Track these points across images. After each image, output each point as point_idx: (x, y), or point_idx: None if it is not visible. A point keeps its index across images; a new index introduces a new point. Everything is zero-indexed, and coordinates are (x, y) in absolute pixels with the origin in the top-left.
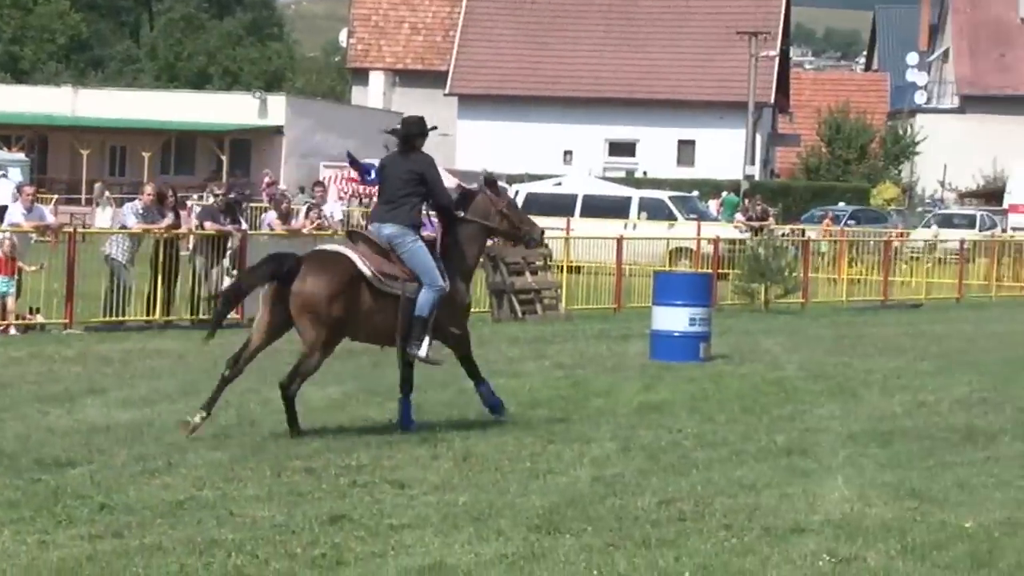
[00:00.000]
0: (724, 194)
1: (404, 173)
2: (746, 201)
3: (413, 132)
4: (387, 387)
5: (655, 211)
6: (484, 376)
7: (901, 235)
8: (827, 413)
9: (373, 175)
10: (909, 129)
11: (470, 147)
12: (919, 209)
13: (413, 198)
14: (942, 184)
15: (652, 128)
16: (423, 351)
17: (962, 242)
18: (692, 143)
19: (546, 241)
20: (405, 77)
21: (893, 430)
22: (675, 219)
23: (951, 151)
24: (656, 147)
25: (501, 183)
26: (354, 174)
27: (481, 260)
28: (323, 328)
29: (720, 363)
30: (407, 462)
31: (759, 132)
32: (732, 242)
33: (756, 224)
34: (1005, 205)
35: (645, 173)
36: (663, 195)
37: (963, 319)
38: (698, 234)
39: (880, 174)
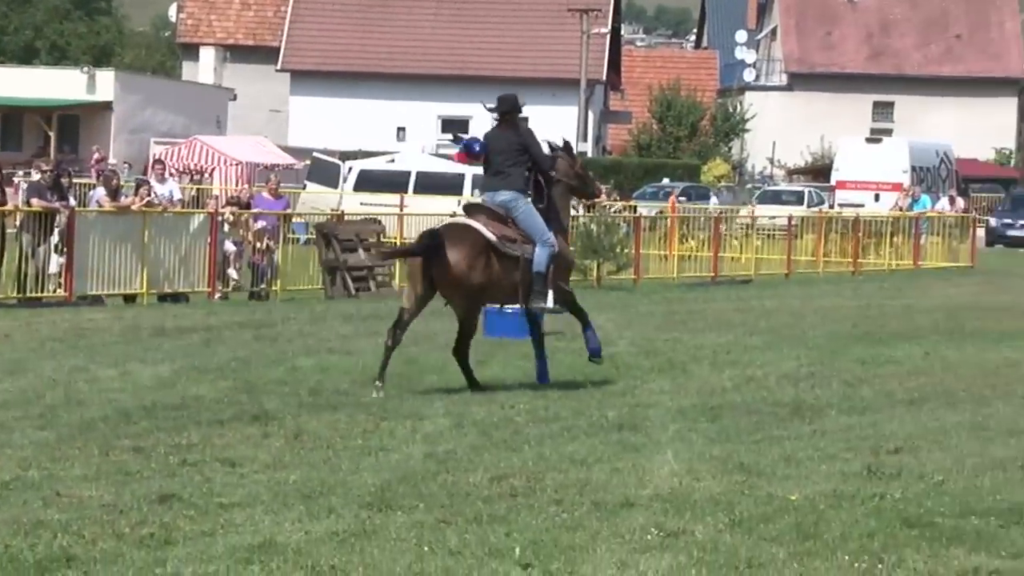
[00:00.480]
0: None
1: (509, 145)
2: None
3: (510, 108)
4: (217, 365)
5: None
6: (588, 322)
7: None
8: (657, 388)
9: (478, 148)
10: (739, 106)
11: (303, 123)
12: (748, 186)
13: (520, 167)
14: (771, 161)
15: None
16: (549, 302)
17: (790, 218)
18: (525, 120)
19: (379, 218)
20: (236, 52)
21: (722, 404)
22: None
23: (780, 128)
24: (489, 124)
25: (334, 159)
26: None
27: (313, 236)
28: (470, 296)
29: (553, 339)
30: (238, 440)
31: (591, 109)
32: None
33: (588, 201)
34: (832, 182)
35: None
36: None
37: (791, 294)
38: None
39: (711, 151)
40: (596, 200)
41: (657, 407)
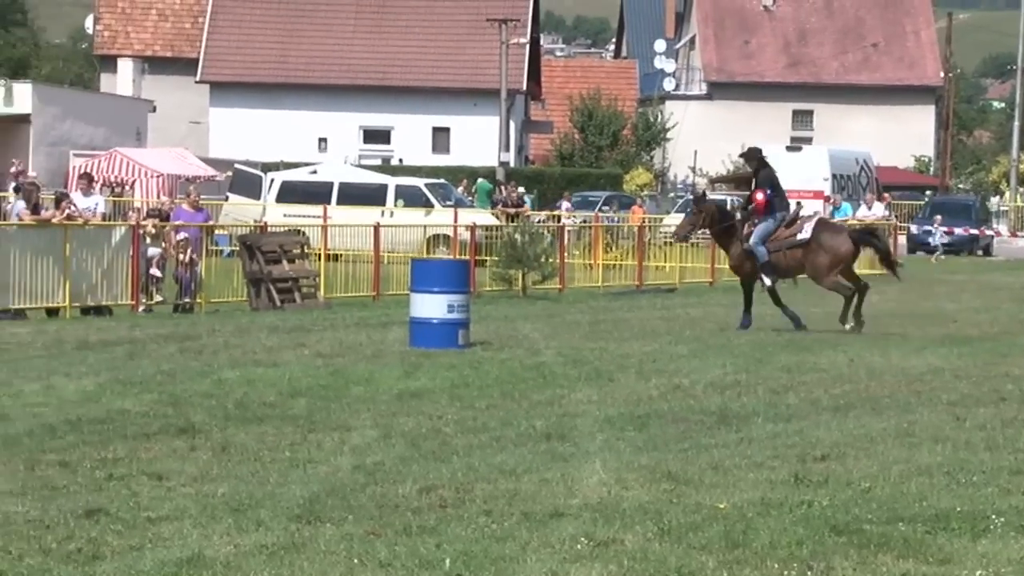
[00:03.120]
0: (480, 180)
1: (771, 180)
2: (501, 188)
3: (757, 158)
4: (142, 378)
5: (412, 198)
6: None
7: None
8: (584, 397)
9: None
10: (659, 116)
11: (223, 135)
12: (671, 195)
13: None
14: (693, 169)
15: (406, 115)
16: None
17: None
18: (447, 130)
19: (302, 229)
20: (155, 64)
21: (649, 413)
22: (432, 206)
23: (700, 137)
24: (411, 134)
25: (256, 170)
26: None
27: (237, 248)
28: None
29: (479, 350)
30: (165, 454)
31: (512, 119)
32: (489, 229)
33: (512, 211)
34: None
35: (401, 160)
36: (419, 182)
37: (716, 303)
38: (455, 221)
39: (633, 160)
40: (520, 210)
41: (585, 416)
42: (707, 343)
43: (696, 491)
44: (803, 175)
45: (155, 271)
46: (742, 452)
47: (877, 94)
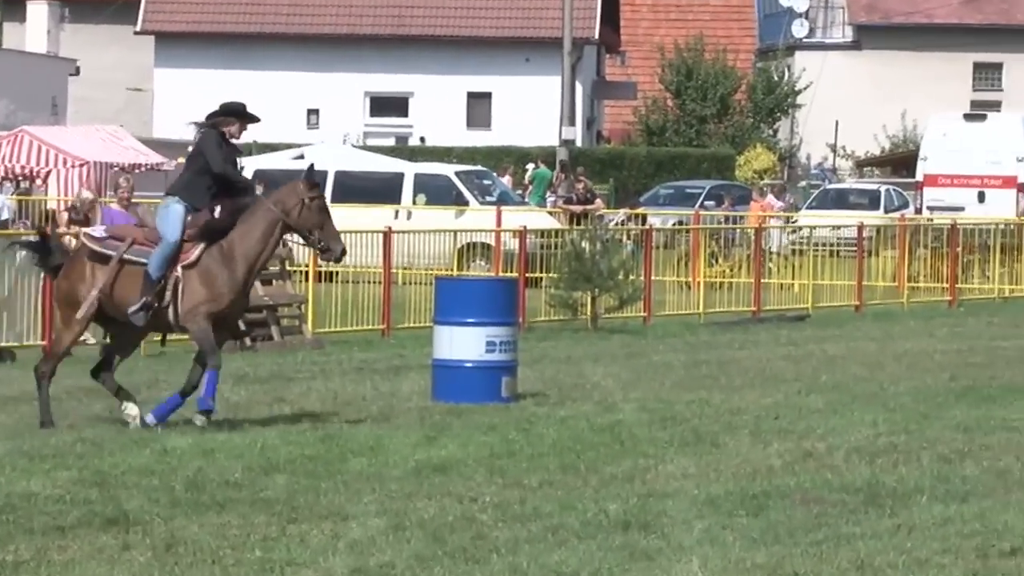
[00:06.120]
0: (532, 167)
1: None
2: (560, 176)
3: None
4: (56, 449)
5: (437, 193)
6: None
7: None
8: (678, 470)
9: None
10: (786, 73)
11: (172, 105)
12: (802, 183)
13: None
14: (833, 148)
15: (431, 76)
16: None
17: (861, 228)
18: (487, 97)
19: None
20: (78, 9)
21: (768, 491)
22: (466, 203)
23: (844, 103)
24: (437, 103)
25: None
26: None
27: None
28: None
29: (531, 404)
30: (86, 555)
31: (580, 80)
32: (546, 234)
33: (578, 209)
34: (918, 176)
35: (423, 139)
36: (448, 170)
37: (863, 335)
38: (498, 224)
39: (749, 135)
40: (590, 208)
41: (678, 497)
42: (851, 392)
43: None
44: (988, 153)
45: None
46: (899, 545)
47: None
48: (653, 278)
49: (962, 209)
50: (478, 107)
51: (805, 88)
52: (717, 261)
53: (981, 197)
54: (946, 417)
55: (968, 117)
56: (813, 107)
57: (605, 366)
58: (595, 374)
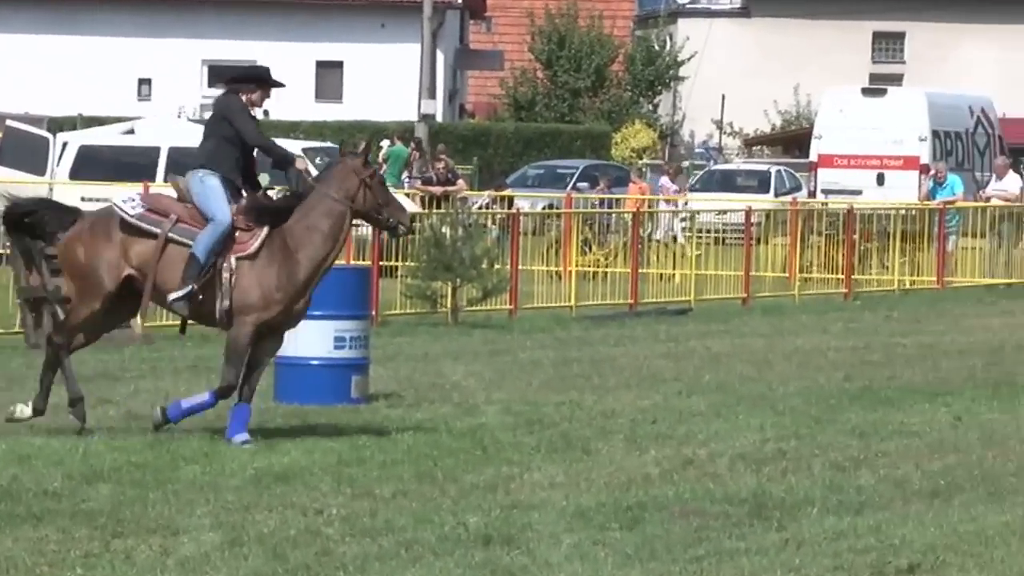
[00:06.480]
0: (387, 143)
1: None
2: (416, 154)
3: None
4: None
5: (283, 174)
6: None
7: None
8: (545, 479)
9: None
10: (668, 42)
11: None
12: (685, 164)
13: None
14: (719, 125)
15: (275, 44)
16: None
17: (749, 213)
18: (338, 66)
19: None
20: None
21: (644, 503)
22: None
23: (731, 75)
24: (282, 72)
25: (39, 130)
26: None
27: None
28: None
29: (383, 406)
30: None
31: (441, 48)
32: None
33: (439, 191)
34: (812, 156)
35: (267, 113)
36: (294, 147)
37: (751, 331)
38: None
39: (627, 111)
40: (451, 189)
41: (545, 508)
42: (737, 393)
43: None
44: (888, 131)
45: None
46: (787, 562)
47: (1003, 8)
48: (520, 267)
49: (859, 193)
50: (328, 77)
51: (689, 59)
52: (591, 249)
53: (880, 179)
54: (840, 421)
55: (867, 92)
56: (697, 80)
57: (466, 364)
58: (455, 373)
